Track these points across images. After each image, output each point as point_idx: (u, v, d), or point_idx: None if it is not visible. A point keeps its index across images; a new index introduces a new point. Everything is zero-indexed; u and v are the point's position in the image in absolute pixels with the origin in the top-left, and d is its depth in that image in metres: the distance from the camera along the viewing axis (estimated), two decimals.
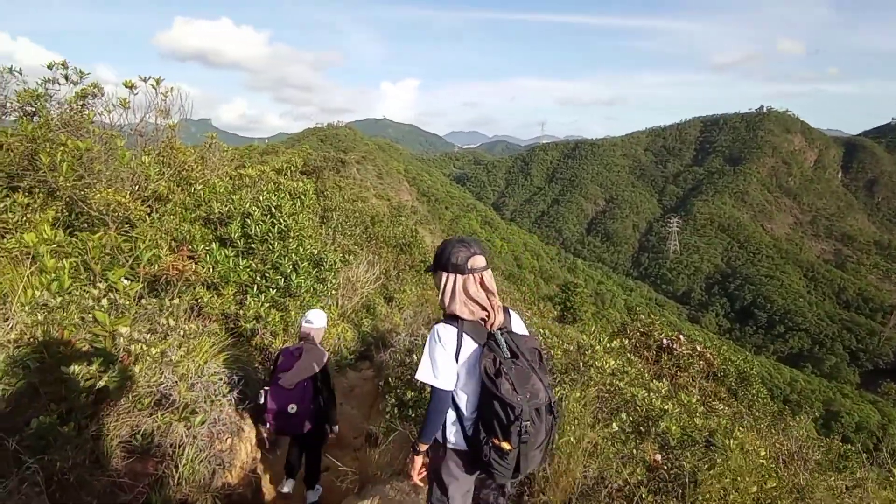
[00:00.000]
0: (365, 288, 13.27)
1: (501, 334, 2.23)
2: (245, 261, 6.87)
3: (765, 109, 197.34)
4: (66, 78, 6.56)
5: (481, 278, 2.27)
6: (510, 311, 2.48)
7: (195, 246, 6.64)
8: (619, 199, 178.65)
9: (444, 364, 2.23)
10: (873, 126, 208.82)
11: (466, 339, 2.24)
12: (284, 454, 4.98)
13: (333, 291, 8.03)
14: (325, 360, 4.47)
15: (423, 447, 2.40)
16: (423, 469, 2.49)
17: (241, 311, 6.60)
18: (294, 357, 4.36)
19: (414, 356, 4.89)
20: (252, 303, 6.65)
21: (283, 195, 7.60)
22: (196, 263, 6.38)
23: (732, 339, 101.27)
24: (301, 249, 7.43)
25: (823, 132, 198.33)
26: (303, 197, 7.83)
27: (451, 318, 2.30)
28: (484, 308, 2.26)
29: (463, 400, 2.30)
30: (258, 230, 7.03)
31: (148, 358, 3.12)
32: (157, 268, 4.48)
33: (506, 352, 2.17)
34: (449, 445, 2.36)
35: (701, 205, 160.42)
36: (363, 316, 13.05)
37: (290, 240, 7.35)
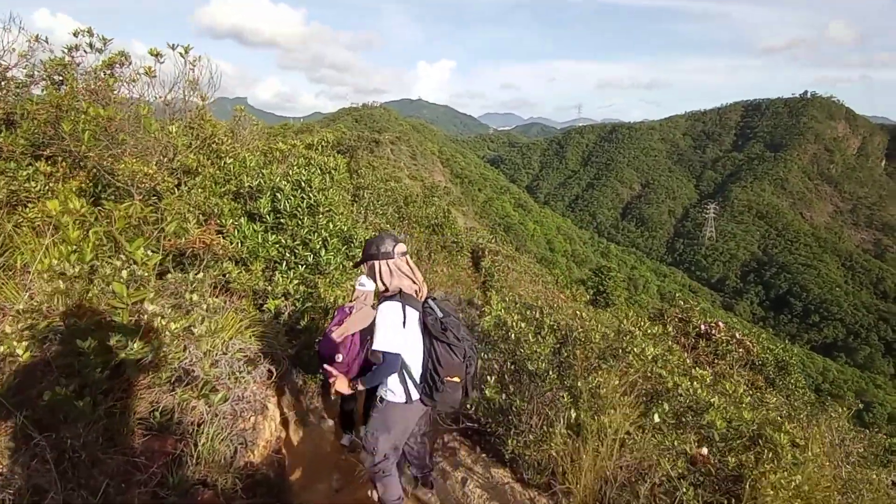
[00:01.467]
0: None
1: (432, 300, 2.90)
2: (274, 236, 6.77)
3: (809, 95, 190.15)
4: (91, 46, 6.48)
5: (407, 260, 2.91)
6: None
7: (224, 220, 6.56)
8: (656, 184, 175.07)
9: (396, 333, 2.79)
10: None
11: (409, 310, 2.82)
12: (309, 437, 5.14)
13: (363, 269, 7.91)
14: (373, 317, 4.68)
15: (360, 387, 3.07)
16: (339, 390, 3.15)
17: (270, 288, 6.52)
18: (346, 314, 4.90)
19: None
20: (281, 279, 6.55)
21: (313, 170, 7.46)
22: (224, 238, 6.31)
23: (767, 327, 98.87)
24: (331, 226, 7.29)
25: (868, 119, 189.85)
26: (333, 172, 7.67)
27: (391, 297, 2.87)
28: (415, 282, 2.89)
29: (413, 358, 2.86)
30: (287, 205, 6.91)
31: (167, 333, 2.99)
32: (183, 241, 4.36)
33: (439, 312, 2.82)
34: (394, 400, 2.92)
35: (739, 191, 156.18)
36: None
37: (320, 216, 7.23)
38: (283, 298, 6.63)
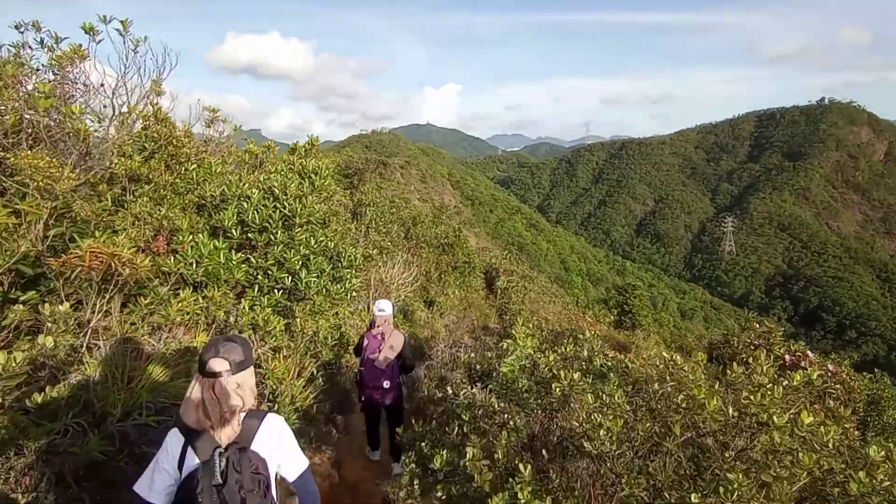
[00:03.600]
0: (400, 290, 11.79)
1: (224, 452, 1.96)
2: (239, 255, 5.43)
3: (826, 101, 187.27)
4: (42, 43, 5.32)
5: (213, 386, 1.98)
6: (269, 419, 2.15)
7: (182, 236, 5.30)
8: (670, 199, 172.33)
9: (163, 477, 2.01)
10: None
11: (190, 452, 2.00)
12: None
13: (354, 293, 6.52)
14: (404, 341, 5.31)
15: None
16: None
17: (232, 319, 5.19)
18: (378, 340, 5.22)
19: (449, 388, 3.26)
20: (246, 307, 5.22)
21: (291, 175, 6.17)
22: (174, 257, 5.03)
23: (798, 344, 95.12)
24: (312, 241, 5.96)
25: (893, 123, 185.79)
26: (313, 177, 6.35)
27: (183, 428, 2.05)
28: (208, 417, 1.97)
29: None
30: (256, 216, 5.60)
31: None
32: (63, 258, 3.02)
33: (217, 476, 1.91)
34: None
35: (758, 203, 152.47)
36: (399, 321, 11.61)
37: (298, 228, 5.91)
38: (250, 331, 5.30)
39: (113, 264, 3.11)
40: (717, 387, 2.31)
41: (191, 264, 5.09)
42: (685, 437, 2.07)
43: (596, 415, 2.09)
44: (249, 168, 6.82)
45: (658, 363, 2.43)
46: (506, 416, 2.51)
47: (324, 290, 6.00)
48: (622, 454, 2.09)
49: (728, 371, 2.37)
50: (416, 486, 2.60)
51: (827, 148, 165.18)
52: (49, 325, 2.60)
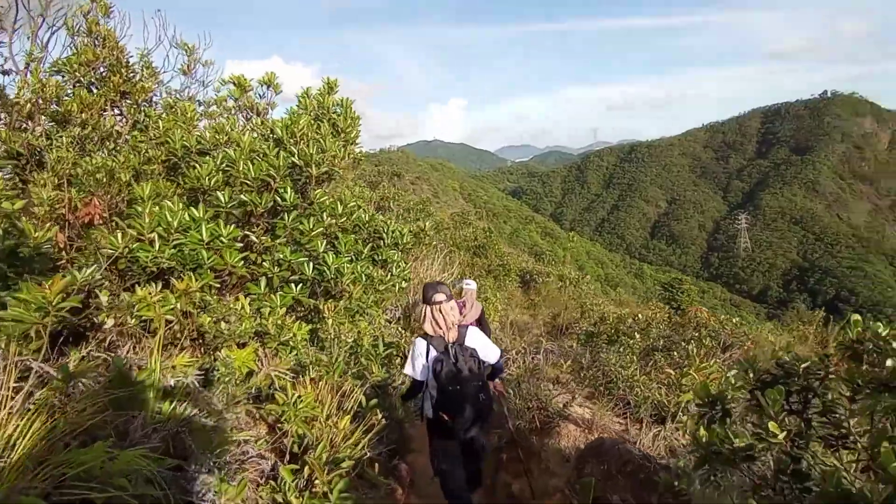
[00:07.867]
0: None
1: (451, 347, 3.29)
2: (230, 229, 3.41)
3: (829, 94, 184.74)
4: None
5: (440, 308, 3.32)
6: (469, 329, 3.44)
7: (140, 207, 3.29)
8: (682, 200, 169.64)
9: (419, 363, 3.35)
10: None
11: (432, 349, 3.32)
12: None
13: (403, 283, 4.46)
14: (481, 310, 5.70)
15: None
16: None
17: (226, 327, 3.16)
18: (462, 306, 5.43)
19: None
20: (243, 306, 3.19)
21: (299, 115, 4.16)
22: (112, 230, 3.04)
23: None
24: (339, 207, 3.95)
25: None
26: (335, 116, 4.33)
27: (424, 335, 3.36)
28: (440, 327, 3.33)
29: (431, 388, 3.34)
30: (249, 168, 3.59)
31: None
32: None
33: (451, 358, 3.25)
34: (429, 416, 3.43)
35: (769, 198, 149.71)
36: None
37: (314, 189, 3.90)
38: (256, 343, 3.30)
39: None
40: None
41: (151, 242, 3.10)
42: None
43: None
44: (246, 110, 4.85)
45: None
46: None
47: (363, 279, 3.97)
48: None
49: None
50: None
51: (832, 140, 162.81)
52: None
